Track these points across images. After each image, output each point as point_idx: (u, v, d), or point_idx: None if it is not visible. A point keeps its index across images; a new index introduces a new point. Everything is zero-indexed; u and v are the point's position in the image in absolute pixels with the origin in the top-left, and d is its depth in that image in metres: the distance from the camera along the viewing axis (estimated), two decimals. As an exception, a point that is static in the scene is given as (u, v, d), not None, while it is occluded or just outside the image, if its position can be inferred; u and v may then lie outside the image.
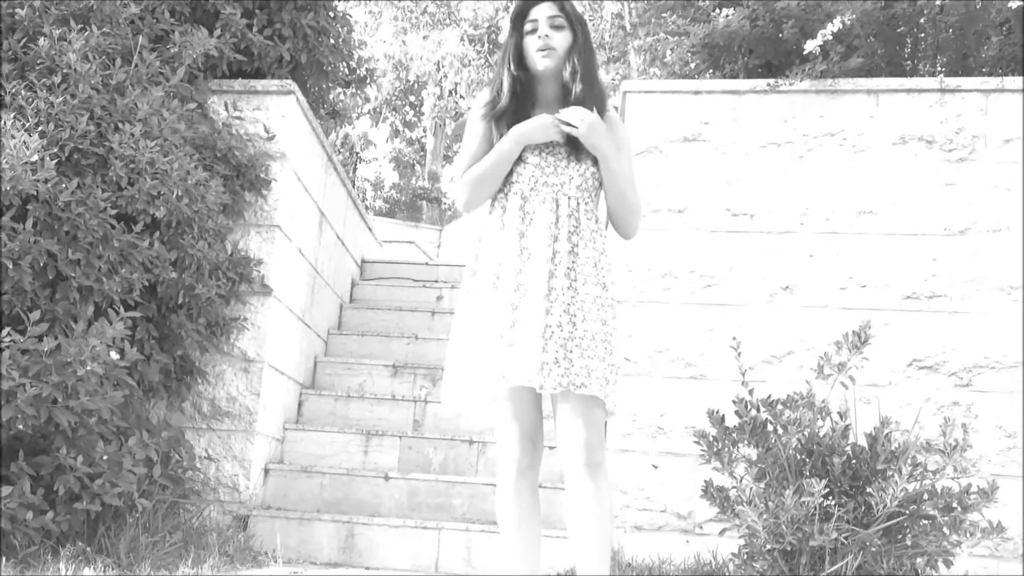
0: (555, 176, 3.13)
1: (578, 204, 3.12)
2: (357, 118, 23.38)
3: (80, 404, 4.07)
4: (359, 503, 5.58)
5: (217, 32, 5.53)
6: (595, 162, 3.15)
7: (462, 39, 20.61)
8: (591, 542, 2.95)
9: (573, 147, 3.13)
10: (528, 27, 3.15)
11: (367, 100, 22.64)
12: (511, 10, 3.20)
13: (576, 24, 3.16)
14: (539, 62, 3.11)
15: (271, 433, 5.74)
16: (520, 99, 3.17)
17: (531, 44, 3.13)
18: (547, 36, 3.10)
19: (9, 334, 3.91)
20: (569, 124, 3.08)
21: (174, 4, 5.53)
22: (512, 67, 3.16)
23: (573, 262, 3.07)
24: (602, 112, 3.19)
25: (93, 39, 4.75)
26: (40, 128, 4.38)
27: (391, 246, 11.82)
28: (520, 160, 3.16)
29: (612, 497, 3.04)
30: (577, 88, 3.13)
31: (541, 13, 3.14)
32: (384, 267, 8.51)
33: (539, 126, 3.12)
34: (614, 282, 3.15)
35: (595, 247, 3.10)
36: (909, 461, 3.43)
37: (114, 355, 4.21)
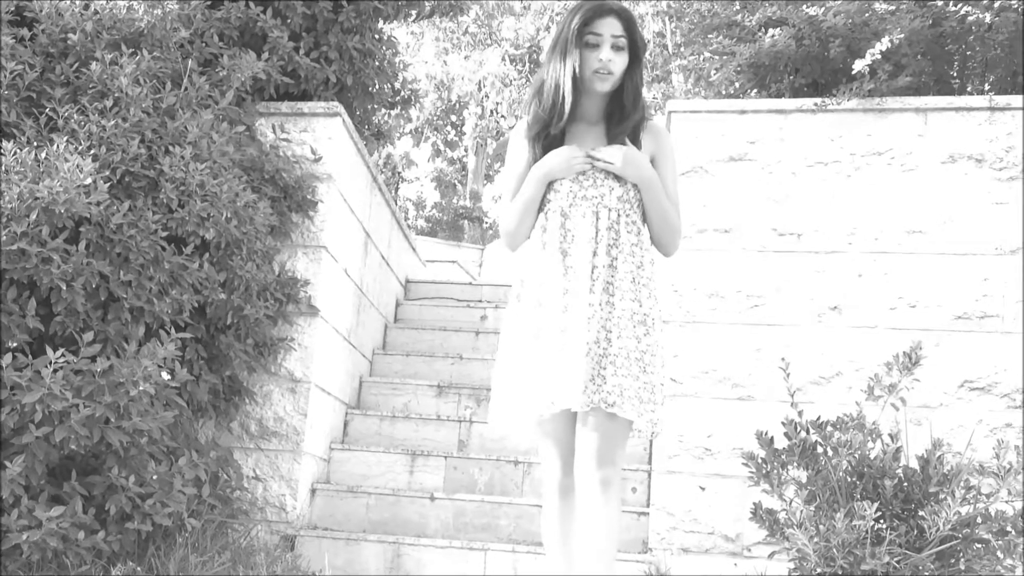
0: (595, 189, 3.10)
1: (619, 216, 3.09)
2: (399, 138, 23.53)
3: (132, 424, 4.10)
4: (405, 523, 5.59)
5: (265, 55, 5.59)
6: None
7: (503, 59, 20.72)
8: (592, 551, 2.92)
9: None
10: (589, 39, 3.03)
11: (409, 120, 22.80)
12: (573, 18, 3.04)
13: (637, 47, 3.08)
14: (596, 84, 3.06)
15: (318, 453, 5.77)
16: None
17: (588, 60, 3.04)
18: (609, 60, 3.02)
19: (63, 355, 3.95)
20: (604, 161, 3.07)
21: (223, 28, 5.59)
22: (573, 85, 3.05)
23: (612, 276, 3.04)
24: (641, 126, 3.18)
25: (144, 63, 4.81)
26: (92, 151, 4.44)
27: (434, 266, 11.86)
28: None
29: (619, 515, 3.02)
30: (627, 109, 3.12)
31: (606, 29, 3.03)
32: (428, 287, 8.53)
33: (563, 163, 3.09)
34: (653, 295, 3.10)
35: (634, 261, 3.07)
36: (962, 484, 3.38)
37: (165, 375, 4.25)
